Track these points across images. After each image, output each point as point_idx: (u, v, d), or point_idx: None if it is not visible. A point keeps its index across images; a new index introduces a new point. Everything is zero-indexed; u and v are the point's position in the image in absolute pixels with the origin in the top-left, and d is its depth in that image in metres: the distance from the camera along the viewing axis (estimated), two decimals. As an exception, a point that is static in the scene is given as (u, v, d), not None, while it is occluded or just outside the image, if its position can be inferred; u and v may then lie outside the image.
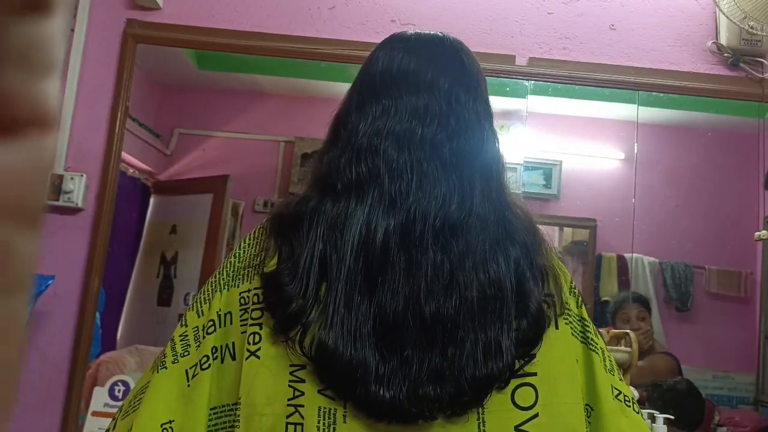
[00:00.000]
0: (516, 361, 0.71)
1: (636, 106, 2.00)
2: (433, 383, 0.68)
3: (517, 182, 2.00)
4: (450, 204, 0.72)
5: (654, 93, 1.94)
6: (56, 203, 1.80)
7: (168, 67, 2.23)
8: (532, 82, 1.89)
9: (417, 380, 0.68)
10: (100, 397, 1.62)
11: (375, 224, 0.72)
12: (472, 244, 0.72)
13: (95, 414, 1.60)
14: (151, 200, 2.27)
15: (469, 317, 0.70)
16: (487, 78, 0.85)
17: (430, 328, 0.69)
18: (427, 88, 0.77)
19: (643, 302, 2.08)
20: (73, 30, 1.87)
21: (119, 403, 1.61)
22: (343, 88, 0.86)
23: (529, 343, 0.73)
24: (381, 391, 0.67)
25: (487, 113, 0.81)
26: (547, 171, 2.18)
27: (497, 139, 0.81)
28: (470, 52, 0.84)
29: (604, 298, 2.14)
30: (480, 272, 0.71)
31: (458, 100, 0.78)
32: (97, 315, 1.84)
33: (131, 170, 2.16)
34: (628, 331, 1.61)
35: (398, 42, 0.83)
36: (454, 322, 0.69)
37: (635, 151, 2.04)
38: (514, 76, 1.87)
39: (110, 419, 1.67)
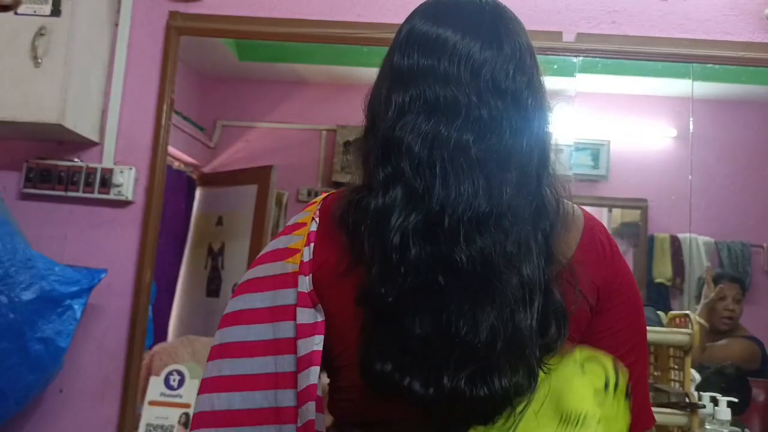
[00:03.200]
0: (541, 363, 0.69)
1: (690, 80, 1.93)
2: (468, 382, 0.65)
3: (564, 164, 1.95)
4: (476, 201, 0.67)
5: (708, 65, 1.86)
6: (107, 197, 1.83)
7: (209, 59, 2.24)
8: (581, 58, 1.84)
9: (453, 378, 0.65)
10: (156, 387, 1.64)
11: (404, 223, 0.68)
12: (499, 242, 0.67)
13: (152, 403, 1.63)
14: (197, 193, 2.29)
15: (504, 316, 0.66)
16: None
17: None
18: (457, 77, 0.70)
19: (741, 284, 2.01)
20: (117, 24, 1.89)
21: (175, 392, 1.63)
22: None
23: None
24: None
25: (531, 88, 0.73)
26: (595, 151, 2.12)
27: (544, 118, 0.74)
28: (512, 16, 0.77)
29: (658, 280, 2.09)
30: (513, 273, 0.67)
31: (496, 85, 0.71)
32: (149, 307, 1.87)
33: (177, 163, 2.18)
34: (687, 312, 1.55)
35: (430, 15, 0.76)
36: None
37: (690, 128, 1.97)
38: (561, 53, 1.82)
39: (166, 408, 1.69)
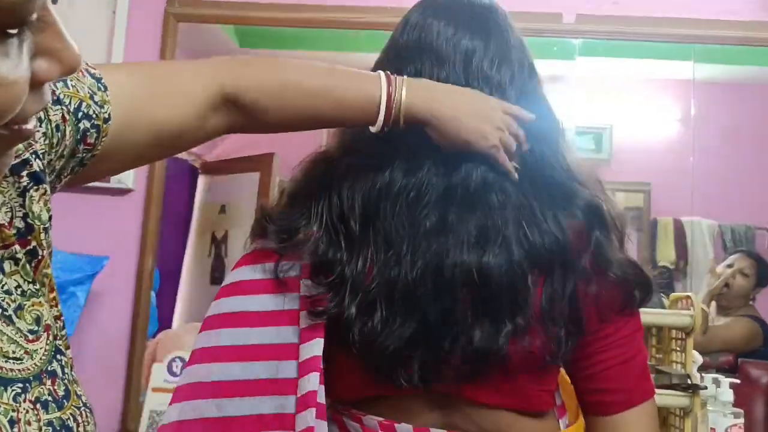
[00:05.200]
0: None
1: (691, 62, 1.91)
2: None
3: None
4: (487, 167, 0.73)
5: (710, 46, 1.85)
6: (108, 185, 1.83)
7: (209, 47, 2.23)
8: (581, 40, 1.83)
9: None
10: (159, 374, 1.65)
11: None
12: (521, 208, 0.72)
13: (155, 390, 1.64)
14: (200, 181, 2.29)
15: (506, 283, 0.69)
16: (533, 39, 0.84)
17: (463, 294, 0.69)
18: (452, 60, 0.77)
19: (756, 261, 1.98)
20: (115, 12, 1.88)
21: (177, 379, 1.64)
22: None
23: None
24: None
25: (514, 84, 0.78)
26: (598, 135, 2.12)
27: (542, 99, 0.80)
28: (502, 15, 0.82)
29: (661, 263, 2.08)
30: (519, 234, 0.70)
31: (482, 73, 0.76)
32: (152, 294, 1.88)
33: (178, 151, 2.18)
34: (690, 294, 1.55)
35: (428, 8, 0.82)
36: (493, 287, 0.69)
37: (692, 111, 1.96)
38: (561, 35, 1.81)
39: (170, 394, 1.70)
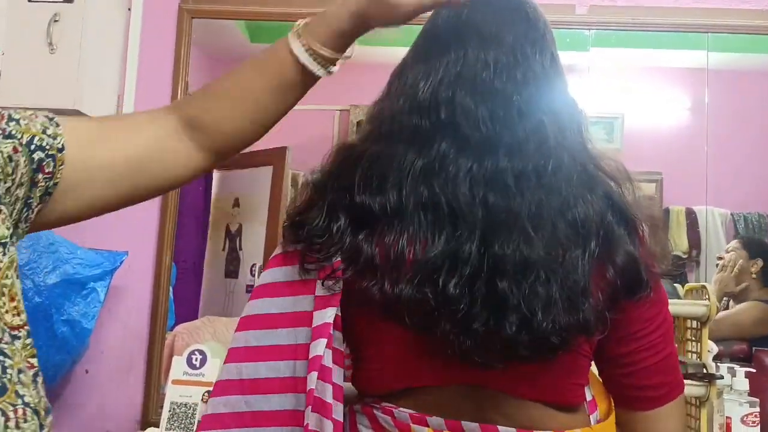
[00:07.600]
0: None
1: (705, 51, 1.90)
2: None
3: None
4: (528, 151, 0.72)
5: (724, 35, 1.84)
6: (126, 181, 1.85)
7: (220, 42, 2.24)
8: (594, 31, 1.82)
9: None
10: (178, 366, 1.67)
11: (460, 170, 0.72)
12: (553, 191, 0.71)
13: (176, 382, 1.66)
14: (214, 175, 2.31)
15: (552, 261, 0.68)
16: (546, 30, 0.83)
17: (511, 273, 0.68)
18: (494, 42, 0.77)
19: (747, 243, 1.95)
20: (130, 9, 1.90)
21: (197, 371, 1.66)
22: (395, 52, 0.85)
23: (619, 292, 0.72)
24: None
25: (554, 65, 0.80)
26: (609, 125, 2.11)
27: (567, 90, 0.81)
28: (536, 6, 0.83)
29: (674, 253, 2.08)
30: (560, 218, 0.70)
31: (524, 53, 0.77)
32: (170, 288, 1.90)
33: (193, 146, 2.19)
34: (704, 284, 1.55)
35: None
36: (536, 267, 0.68)
37: (706, 100, 1.95)
38: (574, 26, 1.81)
39: (189, 386, 1.71)
